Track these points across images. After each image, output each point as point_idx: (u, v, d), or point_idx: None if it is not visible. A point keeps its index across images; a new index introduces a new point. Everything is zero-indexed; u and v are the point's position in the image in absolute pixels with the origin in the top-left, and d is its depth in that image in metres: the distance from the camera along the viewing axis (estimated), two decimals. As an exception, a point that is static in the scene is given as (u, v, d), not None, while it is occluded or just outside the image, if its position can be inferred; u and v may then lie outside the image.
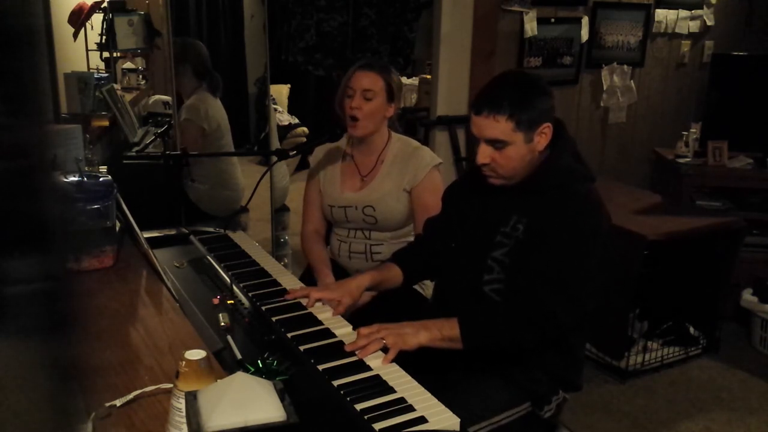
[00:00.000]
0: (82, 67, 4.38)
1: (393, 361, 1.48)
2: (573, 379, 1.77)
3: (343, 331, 1.61)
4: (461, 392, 1.62)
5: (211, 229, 2.31)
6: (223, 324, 1.60)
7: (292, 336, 1.56)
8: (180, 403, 1.08)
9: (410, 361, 1.49)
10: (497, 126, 1.60)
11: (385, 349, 1.51)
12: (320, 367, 1.43)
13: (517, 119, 1.59)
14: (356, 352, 1.50)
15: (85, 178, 1.85)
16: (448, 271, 1.83)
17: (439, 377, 1.61)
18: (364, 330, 1.55)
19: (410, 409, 1.29)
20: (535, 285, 1.58)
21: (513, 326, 1.59)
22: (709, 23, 4.20)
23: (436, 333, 1.57)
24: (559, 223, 1.59)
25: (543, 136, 1.64)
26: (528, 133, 1.61)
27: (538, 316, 1.57)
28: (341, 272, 2.26)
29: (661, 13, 4.00)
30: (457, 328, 1.57)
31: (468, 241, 1.75)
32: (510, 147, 1.61)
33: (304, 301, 1.76)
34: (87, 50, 4.49)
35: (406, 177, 2.20)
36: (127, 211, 1.89)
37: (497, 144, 1.62)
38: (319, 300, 1.77)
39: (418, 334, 1.56)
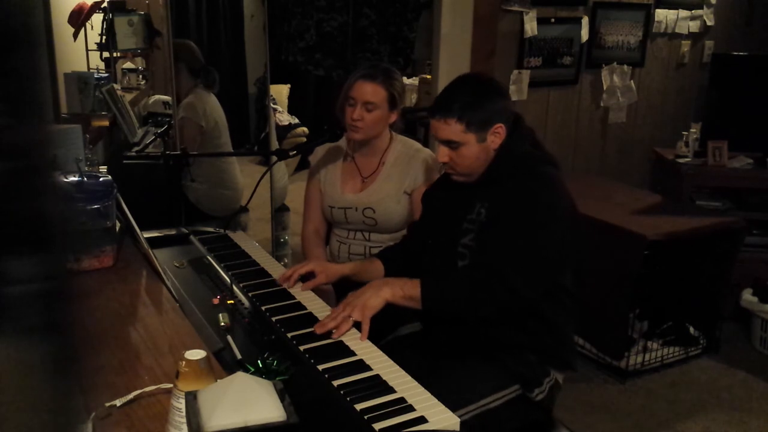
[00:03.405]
0: (82, 67, 4.38)
1: (384, 345, 1.56)
2: (565, 358, 1.80)
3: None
4: (447, 376, 1.64)
5: (211, 229, 2.31)
6: (223, 324, 1.60)
7: (292, 336, 1.56)
8: (180, 403, 1.08)
9: (398, 349, 1.55)
10: (448, 128, 1.70)
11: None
12: (320, 367, 1.43)
13: (466, 121, 1.68)
14: (332, 334, 1.56)
15: (85, 178, 1.85)
16: (430, 262, 1.90)
17: (426, 362, 1.66)
18: (331, 314, 1.62)
19: (410, 409, 1.30)
20: (494, 257, 1.64)
21: (471, 293, 1.64)
22: (709, 23, 4.20)
23: (398, 290, 1.65)
24: (515, 201, 1.67)
25: (496, 136, 1.72)
26: (480, 134, 1.70)
27: (495, 284, 1.62)
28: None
29: (661, 13, 3.99)
30: (418, 288, 1.64)
31: (442, 233, 1.83)
32: (463, 147, 1.71)
33: (287, 284, 1.85)
34: (87, 50, 4.49)
35: (407, 179, 2.20)
36: (127, 211, 1.89)
37: (452, 144, 1.71)
38: (303, 274, 1.86)
39: (380, 292, 1.64)
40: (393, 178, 2.22)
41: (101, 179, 1.88)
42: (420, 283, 1.65)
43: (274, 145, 4.04)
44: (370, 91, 2.12)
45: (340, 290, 2.16)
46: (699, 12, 4.14)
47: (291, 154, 2.37)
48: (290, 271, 1.87)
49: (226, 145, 3.45)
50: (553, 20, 3.60)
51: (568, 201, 1.72)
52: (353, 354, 1.50)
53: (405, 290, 1.65)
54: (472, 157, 1.71)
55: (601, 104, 3.93)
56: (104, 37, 4.37)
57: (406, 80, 6.24)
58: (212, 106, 3.34)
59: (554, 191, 1.70)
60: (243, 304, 1.75)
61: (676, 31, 4.09)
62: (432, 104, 1.75)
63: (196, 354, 1.12)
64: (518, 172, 1.72)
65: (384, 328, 1.76)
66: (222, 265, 1.97)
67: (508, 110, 1.75)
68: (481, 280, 1.63)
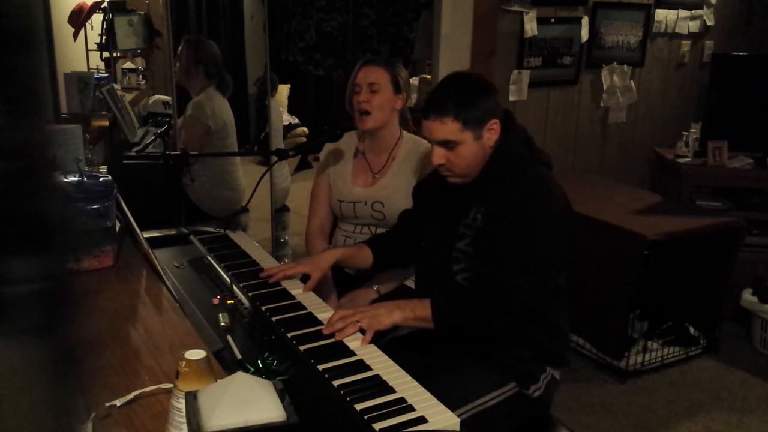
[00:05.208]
0: (82, 67, 4.38)
1: (382, 345, 1.55)
2: (558, 353, 1.80)
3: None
4: (444, 376, 1.65)
5: (211, 229, 2.31)
6: (223, 324, 1.60)
7: (292, 336, 1.56)
8: (180, 403, 1.08)
9: (396, 349, 1.55)
10: (445, 127, 1.68)
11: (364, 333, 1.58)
12: (320, 367, 1.43)
13: (463, 119, 1.67)
14: (335, 335, 1.56)
15: (85, 178, 1.85)
16: (424, 264, 1.91)
17: (424, 362, 1.66)
18: (340, 313, 1.62)
19: (410, 409, 1.29)
20: (499, 268, 1.64)
21: (482, 307, 1.65)
22: (709, 23, 4.20)
23: (409, 313, 1.64)
24: (512, 207, 1.67)
25: (492, 132, 1.72)
26: (476, 131, 1.69)
27: (504, 296, 1.63)
28: (342, 273, 2.26)
29: (661, 13, 3.99)
30: (429, 308, 1.64)
31: (436, 234, 1.84)
32: (461, 146, 1.69)
33: (275, 280, 1.85)
34: (87, 50, 4.49)
35: (417, 175, 2.22)
36: (127, 211, 1.89)
37: (448, 144, 1.70)
38: (290, 276, 1.86)
39: (392, 314, 1.63)
40: (403, 174, 2.24)
41: (101, 179, 1.88)
42: (430, 304, 1.65)
43: (278, 144, 4.03)
44: (373, 74, 2.18)
45: (338, 279, 2.18)
46: (699, 12, 4.14)
47: (291, 154, 2.38)
48: (277, 270, 1.87)
49: (232, 147, 3.45)
50: (553, 20, 3.61)
51: (562, 202, 1.72)
52: (353, 354, 1.50)
53: (416, 312, 1.64)
54: (470, 156, 1.70)
55: (601, 104, 3.93)
56: (104, 37, 4.37)
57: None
58: (221, 107, 3.33)
59: (549, 195, 1.69)
60: (243, 304, 1.74)
61: (676, 31, 4.09)
62: (424, 105, 1.74)
63: (196, 354, 1.12)
64: (512, 175, 1.71)
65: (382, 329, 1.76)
66: (222, 265, 1.97)
67: (500, 107, 1.75)
68: (491, 295, 1.64)
